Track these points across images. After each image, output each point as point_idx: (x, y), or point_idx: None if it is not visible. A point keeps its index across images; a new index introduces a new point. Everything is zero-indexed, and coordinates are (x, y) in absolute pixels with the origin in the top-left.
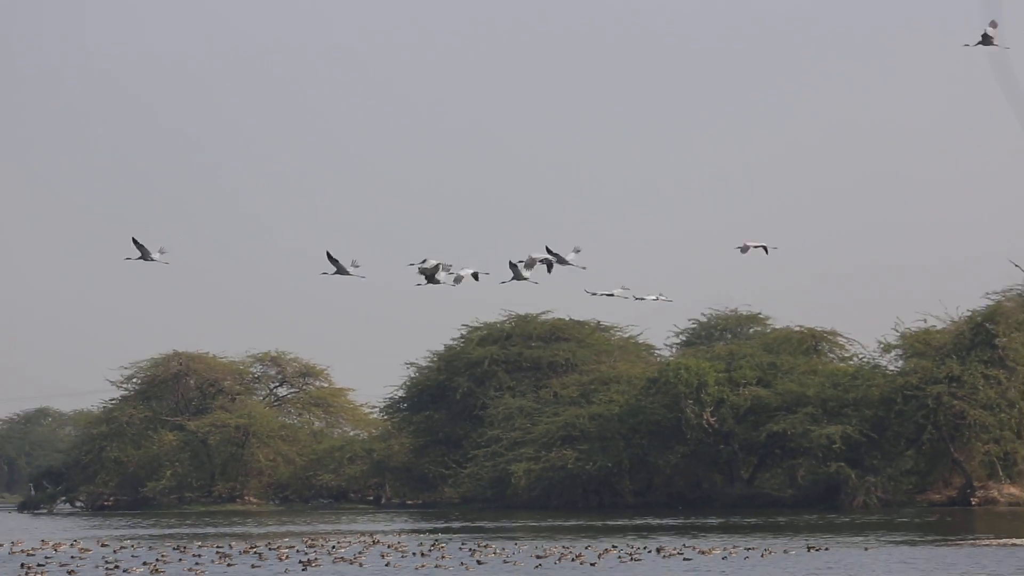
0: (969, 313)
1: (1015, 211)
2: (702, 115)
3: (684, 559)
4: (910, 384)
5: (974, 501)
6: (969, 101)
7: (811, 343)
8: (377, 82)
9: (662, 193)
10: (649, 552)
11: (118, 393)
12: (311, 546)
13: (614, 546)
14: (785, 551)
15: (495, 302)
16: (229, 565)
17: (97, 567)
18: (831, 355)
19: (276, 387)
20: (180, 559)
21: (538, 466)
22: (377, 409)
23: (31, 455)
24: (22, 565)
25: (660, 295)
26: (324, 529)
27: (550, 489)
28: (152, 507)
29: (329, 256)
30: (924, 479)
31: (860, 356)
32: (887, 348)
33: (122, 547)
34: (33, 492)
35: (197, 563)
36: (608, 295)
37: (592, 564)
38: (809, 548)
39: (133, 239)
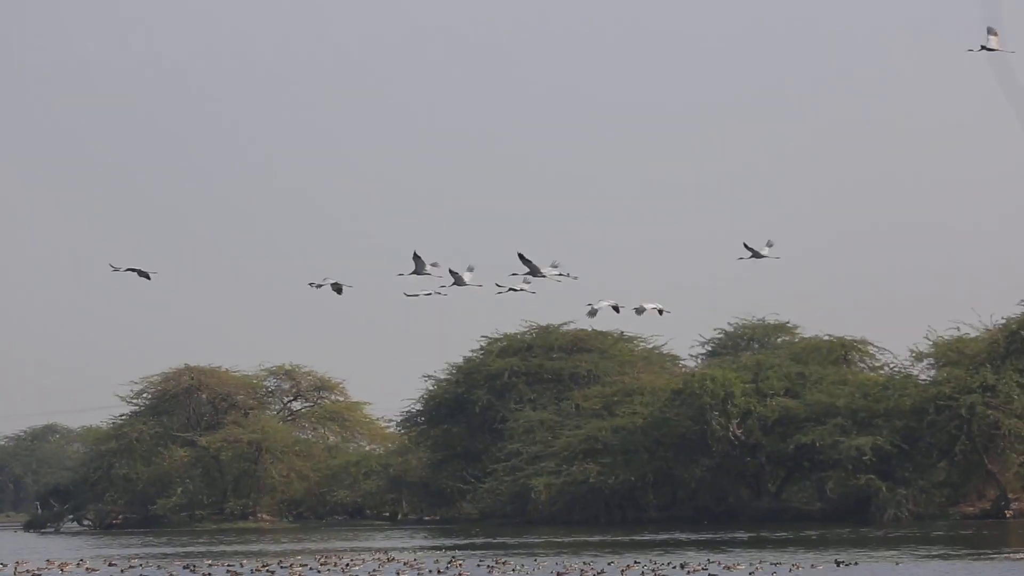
0: (1004, 321)
1: None
2: (713, 114)
3: (709, 575)
4: (943, 394)
5: (1008, 514)
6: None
7: (840, 352)
8: (382, 92)
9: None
10: (673, 568)
11: (127, 408)
12: (324, 564)
13: (637, 562)
14: (813, 566)
15: (515, 313)
16: None
17: None
18: (861, 364)
19: (290, 401)
20: None
21: (559, 480)
22: (394, 423)
23: (38, 472)
24: None
25: (659, 307)
26: (338, 546)
27: (572, 504)
28: (162, 525)
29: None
30: (957, 491)
31: (891, 365)
32: (919, 357)
33: (130, 567)
34: (40, 510)
35: None
36: (597, 309)
37: None
38: (838, 563)
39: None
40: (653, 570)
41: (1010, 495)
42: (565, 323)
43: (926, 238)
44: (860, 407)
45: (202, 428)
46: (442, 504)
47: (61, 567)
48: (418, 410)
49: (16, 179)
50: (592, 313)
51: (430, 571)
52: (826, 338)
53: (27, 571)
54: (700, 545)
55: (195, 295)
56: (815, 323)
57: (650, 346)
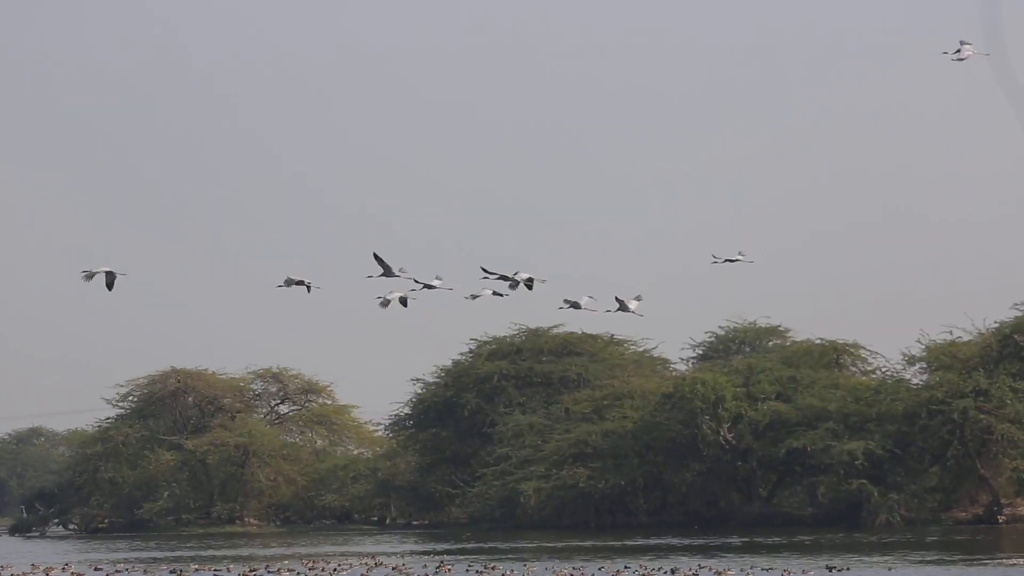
0: (997, 325)
1: None
2: (702, 111)
3: None
4: (935, 398)
5: (1001, 519)
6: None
7: (832, 356)
8: (377, 93)
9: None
10: (664, 572)
11: (113, 412)
12: (311, 568)
13: (627, 567)
14: (804, 571)
15: (505, 315)
16: None
17: None
18: (853, 368)
19: (277, 404)
20: None
21: (549, 485)
22: (382, 427)
23: (23, 476)
24: None
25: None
26: (326, 551)
27: (561, 508)
28: (148, 529)
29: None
30: (949, 496)
31: (883, 369)
32: (911, 361)
33: (117, 571)
34: (25, 514)
35: None
36: (575, 305)
37: None
38: (830, 568)
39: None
40: (644, 575)
41: (1003, 500)
42: (555, 326)
43: (922, 237)
44: (852, 411)
45: (188, 431)
46: (431, 508)
47: (47, 571)
48: (406, 414)
49: (12, 181)
50: (573, 305)
51: None
52: (818, 342)
53: (12, 575)
54: (692, 550)
55: (182, 297)
56: (806, 324)
57: (640, 349)
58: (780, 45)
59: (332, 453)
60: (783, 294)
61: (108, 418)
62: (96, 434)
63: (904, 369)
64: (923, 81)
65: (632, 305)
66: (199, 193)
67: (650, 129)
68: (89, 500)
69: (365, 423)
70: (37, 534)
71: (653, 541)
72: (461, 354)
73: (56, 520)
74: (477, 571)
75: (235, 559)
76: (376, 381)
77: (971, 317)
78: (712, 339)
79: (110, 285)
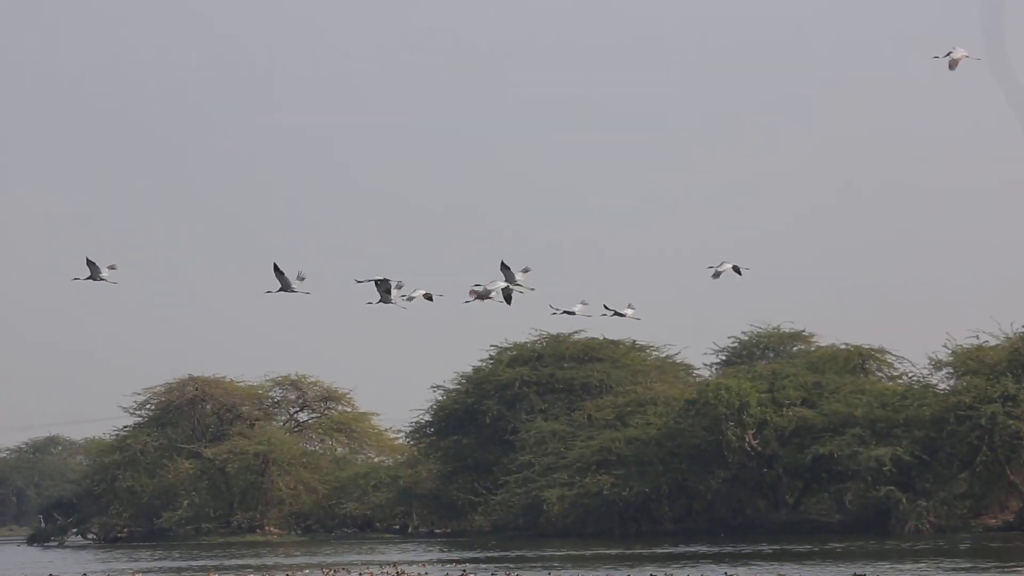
0: None
1: None
2: (711, 122)
3: None
4: (963, 403)
5: None
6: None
7: (858, 361)
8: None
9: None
10: None
11: (131, 420)
12: None
13: (652, 575)
14: None
15: (525, 322)
16: None
17: None
18: (879, 374)
19: (296, 412)
20: None
21: (572, 492)
22: (403, 434)
23: (40, 485)
24: None
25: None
26: (347, 560)
27: (585, 516)
28: (168, 539)
29: (276, 269)
30: (979, 503)
31: (910, 375)
32: (938, 366)
33: None
34: (43, 524)
35: None
36: (569, 312)
37: None
38: None
39: (87, 259)
40: None
41: None
42: (576, 332)
43: (942, 245)
44: (878, 417)
45: (207, 439)
46: (453, 516)
47: None
48: (427, 421)
49: (14, 184)
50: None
51: None
52: (843, 347)
53: None
54: (720, 558)
55: (199, 305)
56: (831, 329)
57: (663, 355)
58: (802, 54)
59: (352, 461)
60: (807, 300)
61: (126, 427)
62: (114, 442)
63: (931, 374)
64: (962, 99)
65: (628, 312)
66: (206, 205)
67: (678, 137)
68: (108, 509)
69: (385, 431)
70: (56, 544)
71: (681, 549)
72: (482, 360)
73: (75, 530)
74: None
75: (258, 568)
76: (396, 388)
77: (998, 321)
78: (736, 344)
79: (94, 277)
